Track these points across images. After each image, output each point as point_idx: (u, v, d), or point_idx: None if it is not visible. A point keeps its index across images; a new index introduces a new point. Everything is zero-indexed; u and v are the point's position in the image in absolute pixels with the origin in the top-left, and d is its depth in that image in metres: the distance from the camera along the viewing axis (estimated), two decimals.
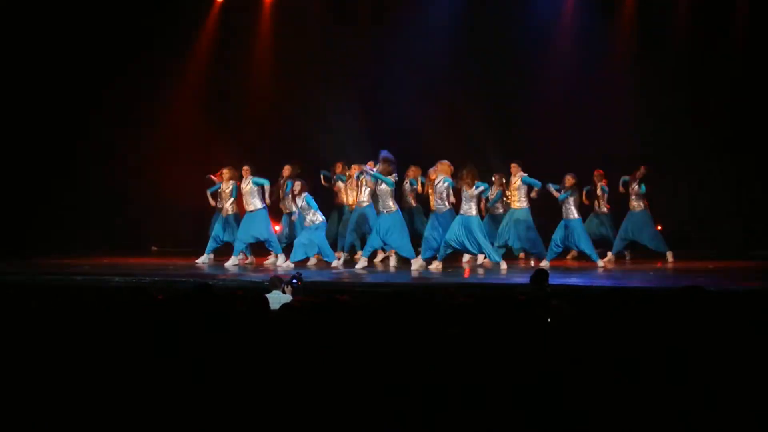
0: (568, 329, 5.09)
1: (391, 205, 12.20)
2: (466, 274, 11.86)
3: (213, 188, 13.25)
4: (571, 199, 12.42)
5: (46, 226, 14.54)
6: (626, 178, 13.17)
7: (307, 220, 12.28)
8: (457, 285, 10.14)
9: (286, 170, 13.03)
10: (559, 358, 4.46)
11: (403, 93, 14.37)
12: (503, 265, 11.83)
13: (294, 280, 8.25)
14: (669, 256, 13.00)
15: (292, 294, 8.01)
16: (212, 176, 13.21)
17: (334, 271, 11.96)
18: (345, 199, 13.40)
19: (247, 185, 12.80)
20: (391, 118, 14.49)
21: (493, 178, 13.03)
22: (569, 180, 12.45)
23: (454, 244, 11.80)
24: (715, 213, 14.11)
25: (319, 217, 12.29)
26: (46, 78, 14.41)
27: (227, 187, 13.07)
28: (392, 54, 14.61)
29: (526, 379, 4.21)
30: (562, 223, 12.54)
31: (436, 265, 11.93)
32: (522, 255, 13.43)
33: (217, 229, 13.13)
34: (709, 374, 4.25)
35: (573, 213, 12.48)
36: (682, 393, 4.17)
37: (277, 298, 7.37)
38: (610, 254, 13.07)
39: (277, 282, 8.18)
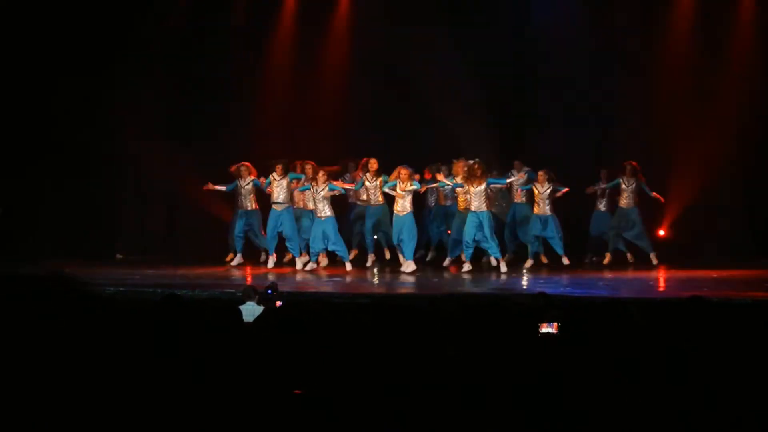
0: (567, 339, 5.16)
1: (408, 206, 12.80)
2: (454, 270, 12.66)
3: (230, 187, 13.59)
4: (546, 194, 13.04)
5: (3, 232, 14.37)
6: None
7: (323, 212, 12.73)
8: (447, 294, 10.23)
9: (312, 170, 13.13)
10: (558, 368, 4.53)
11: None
12: (503, 267, 12.66)
13: (269, 290, 8.18)
14: (653, 258, 13.35)
15: (268, 305, 7.93)
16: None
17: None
18: (366, 197, 13.38)
19: (282, 180, 13.15)
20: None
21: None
22: (543, 176, 13.04)
23: (471, 242, 12.66)
24: (721, 219, 14.17)
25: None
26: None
27: (247, 182, 13.50)
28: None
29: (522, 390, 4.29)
30: (535, 217, 13.13)
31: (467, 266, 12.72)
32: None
33: (239, 227, 13.63)
34: (711, 385, 4.36)
35: (550, 209, 13.09)
36: (684, 403, 4.28)
37: (251, 310, 7.30)
38: (608, 255, 13.59)
39: (251, 293, 8.09)
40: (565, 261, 13.19)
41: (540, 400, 4.24)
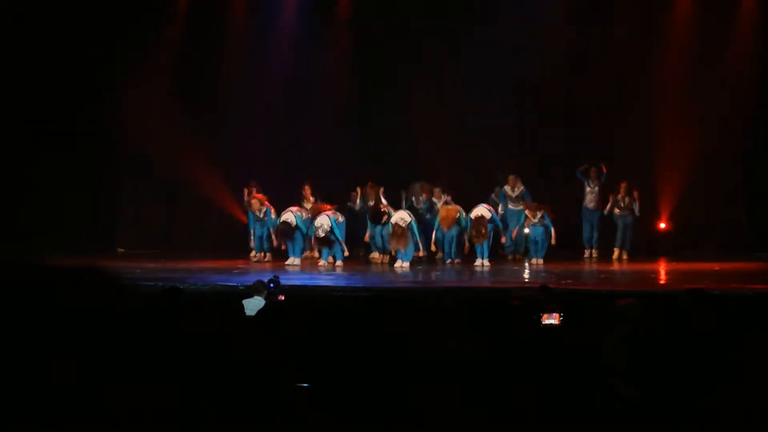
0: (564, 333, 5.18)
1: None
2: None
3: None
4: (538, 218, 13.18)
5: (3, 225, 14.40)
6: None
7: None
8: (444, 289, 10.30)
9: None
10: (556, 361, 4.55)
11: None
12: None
13: (271, 284, 8.16)
14: (621, 253, 13.63)
15: (269, 299, 7.91)
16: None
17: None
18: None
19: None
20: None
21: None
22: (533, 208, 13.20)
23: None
24: (721, 213, 14.20)
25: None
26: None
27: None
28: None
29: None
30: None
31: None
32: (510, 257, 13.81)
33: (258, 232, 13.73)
34: (711, 376, 4.43)
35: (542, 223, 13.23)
36: (684, 396, 4.34)
37: (256, 304, 7.26)
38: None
39: (261, 287, 8.00)
40: (540, 262, 13.14)
41: (541, 391, 4.28)
